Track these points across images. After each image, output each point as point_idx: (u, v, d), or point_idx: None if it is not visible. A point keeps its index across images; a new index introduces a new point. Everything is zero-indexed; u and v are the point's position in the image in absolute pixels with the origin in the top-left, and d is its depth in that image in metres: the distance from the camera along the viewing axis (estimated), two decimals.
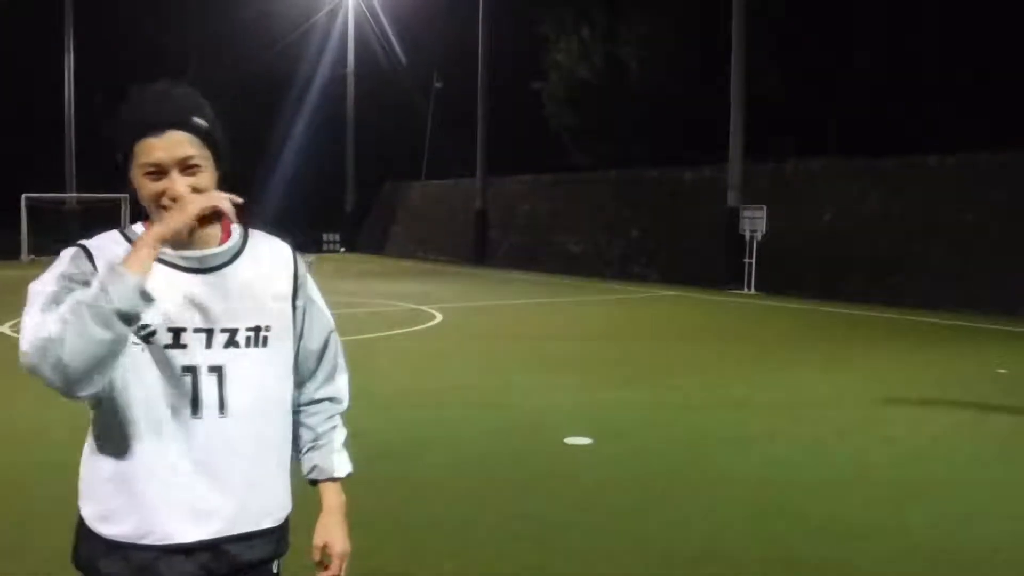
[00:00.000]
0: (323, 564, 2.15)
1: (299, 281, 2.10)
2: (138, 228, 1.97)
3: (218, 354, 1.94)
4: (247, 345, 1.97)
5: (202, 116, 1.93)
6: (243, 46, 37.22)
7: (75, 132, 34.55)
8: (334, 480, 2.20)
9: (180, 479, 1.91)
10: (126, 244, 1.91)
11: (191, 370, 1.92)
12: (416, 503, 6.01)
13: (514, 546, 5.22)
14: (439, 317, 15.93)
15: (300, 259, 2.15)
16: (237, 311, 1.97)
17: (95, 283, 1.74)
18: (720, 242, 22.09)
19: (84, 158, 34.66)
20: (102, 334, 1.70)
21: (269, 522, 2.04)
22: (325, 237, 36.49)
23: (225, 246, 2.00)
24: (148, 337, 1.88)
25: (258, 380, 1.99)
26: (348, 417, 2.27)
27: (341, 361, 2.24)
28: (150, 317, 1.84)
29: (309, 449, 2.18)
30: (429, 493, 6.22)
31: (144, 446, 1.90)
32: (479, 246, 30.47)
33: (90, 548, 1.94)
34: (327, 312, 2.21)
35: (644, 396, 9.49)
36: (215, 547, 1.94)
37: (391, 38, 37.58)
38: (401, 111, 38.66)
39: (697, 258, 23.14)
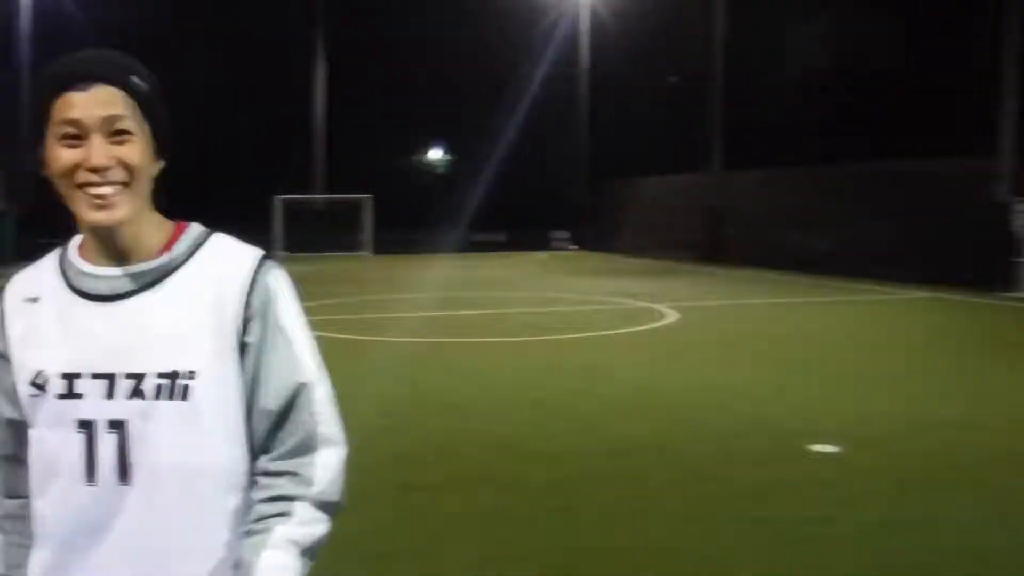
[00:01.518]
0: None
1: (253, 309, 1.57)
2: (74, 243, 1.63)
3: (121, 406, 1.51)
4: (157, 396, 1.51)
5: (143, 79, 1.54)
6: (475, 43, 38.02)
7: (325, 136, 36.58)
8: None
9: (76, 559, 1.53)
10: (53, 269, 1.61)
11: (87, 425, 1.51)
12: (652, 501, 5.92)
13: (751, 552, 5.07)
14: (672, 316, 15.49)
15: (265, 277, 1.59)
16: (147, 351, 1.52)
17: None
18: (986, 239, 20.28)
19: (332, 160, 36.57)
20: None
21: None
22: (555, 235, 36.68)
23: (160, 260, 1.57)
24: (43, 386, 1.53)
25: (173, 442, 1.52)
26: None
27: (326, 430, 1.60)
28: (45, 361, 1.53)
29: (246, 533, 1.56)
30: (667, 493, 6.07)
31: (43, 515, 1.57)
32: (713, 243, 29.58)
33: None
34: (306, 356, 1.61)
35: (899, 407, 8.62)
36: None
37: (623, 32, 37.22)
38: (633, 105, 38.27)
39: (955, 257, 21.29)
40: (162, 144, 1.57)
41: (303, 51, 36.71)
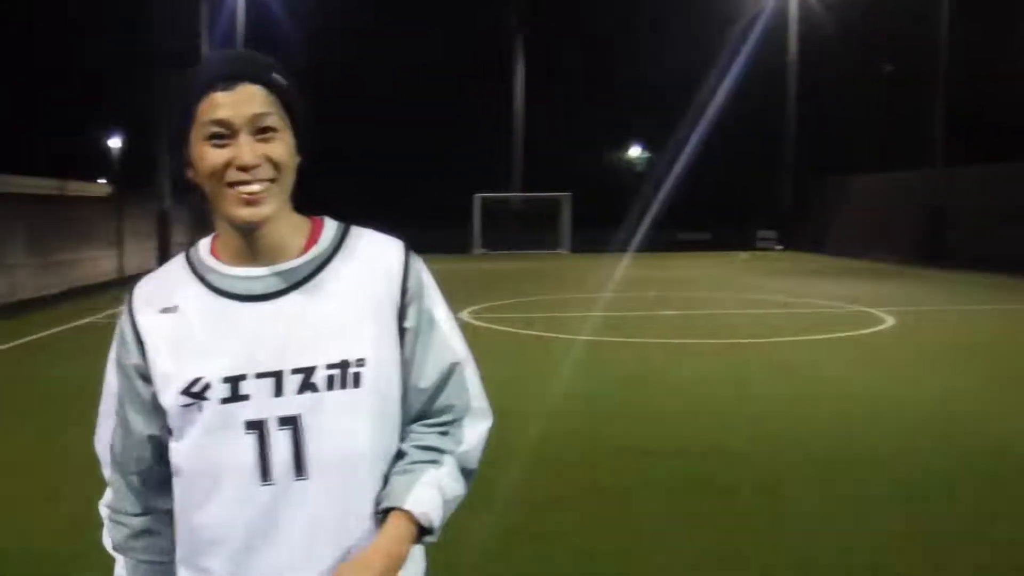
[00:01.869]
0: None
1: (409, 295, 1.61)
2: (203, 246, 1.63)
3: (291, 402, 1.52)
4: (330, 387, 1.53)
5: (283, 76, 1.55)
6: (677, 36, 37.26)
7: (523, 134, 36.88)
8: (402, 512, 1.54)
9: (256, 559, 1.53)
10: (186, 275, 1.59)
11: (257, 426, 1.52)
12: (868, 518, 5.46)
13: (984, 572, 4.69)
14: (888, 320, 14.47)
15: (415, 264, 1.63)
16: (314, 344, 1.53)
17: (111, 552, 1.68)
18: None
19: (531, 159, 36.79)
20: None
21: None
22: (760, 234, 35.52)
23: (305, 258, 1.58)
24: (202, 393, 1.52)
25: (347, 430, 1.54)
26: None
27: (476, 404, 1.69)
28: (202, 368, 1.52)
29: (392, 474, 1.59)
30: (884, 508, 5.61)
31: (207, 523, 1.56)
32: (932, 245, 27.69)
33: None
34: (455, 337, 1.67)
35: None
36: None
37: (835, 20, 35.47)
38: (845, 98, 36.42)
39: None
40: (302, 140, 1.57)
41: (503, 49, 37.11)
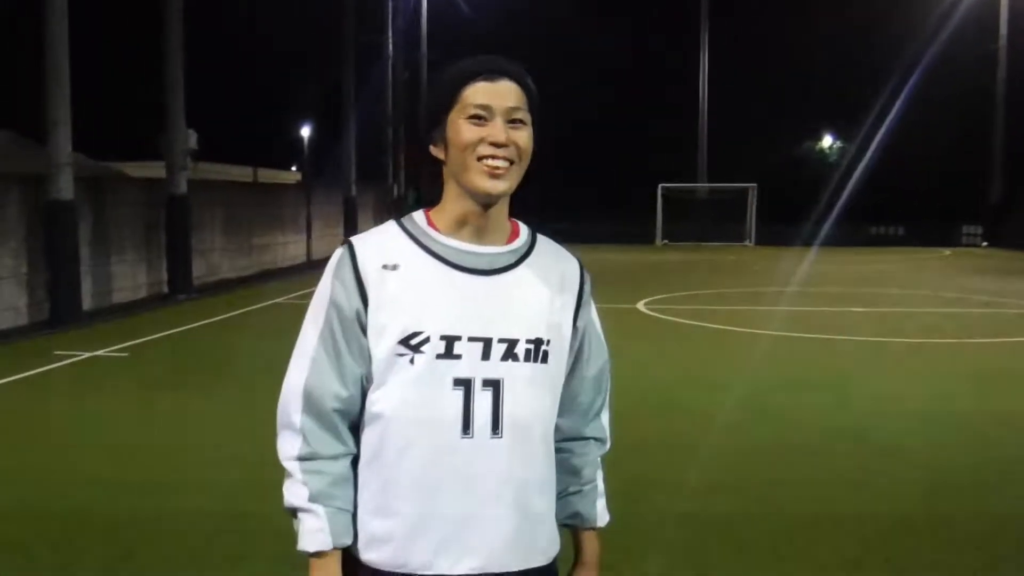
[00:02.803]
0: None
1: (583, 299, 1.91)
2: (418, 218, 1.84)
3: (495, 366, 1.75)
4: (527, 359, 1.77)
5: (531, 81, 1.82)
6: (874, 20, 35.42)
7: (707, 125, 36.02)
8: (594, 530, 1.98)
9: (445, 506, 1.73)
10: (404, 239, 1.80)
11: (464, 383, 1.73)
12: None
13: None
14: None
15: (587, 277, 1.94)
16: (518, 320, 1.78)
17: (301, 508, 1.77)
18: None
19: (716, 149, 35.88)
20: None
21: (539, 560, 1.82)
22: (965, 230, 33.39)
23: (513, 246, 1.84)
24: (419, 346, 1.72)
25: (534, 398, 1.79)
26: None
27: (608, 398, 2.02)
28: (423, 323, 1.72)
29: (572, 493, 1.95)
30: None
31: (406, 468, 1.74)
32: None
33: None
34: (604, 341, 1.99)
35: None
36: None
37: None
38: None
39: None
40: (537, 139, 1.80)
41: (689, 35, 36.34)
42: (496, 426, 1.74)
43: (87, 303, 13.75)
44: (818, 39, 37.46)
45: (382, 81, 32.96)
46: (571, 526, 1.96)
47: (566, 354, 1.87)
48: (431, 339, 1.72)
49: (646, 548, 4.72)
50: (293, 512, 1.78)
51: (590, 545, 1.97)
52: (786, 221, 32.36)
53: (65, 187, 12.88)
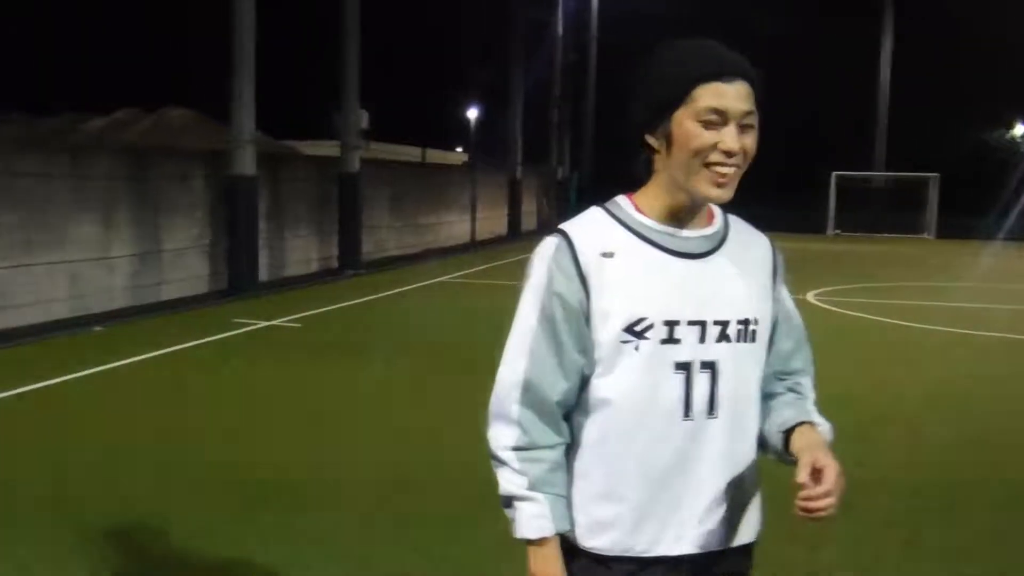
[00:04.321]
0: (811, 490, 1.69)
1: (778, 274, 1.91)
2: (624, 203, 1.82)
3: (711, 349, 1.76)
4: (738, 339, 1.79)
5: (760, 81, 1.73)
6: None
7: (888, 113, 34.44)
8: (810, 424, 1.83)
9: (667, 488, 1.76)
10: (615, 226, 1.79)
11: (685, 367, 1.75)
12: None
13: None
14: None
15: (779, 254, 1.93)
16: (728, 301, 1.79)
17: (519, 496, 1.76)
18: None
19: (895, 136, 34.31)
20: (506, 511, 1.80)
21: (748, 536, 1.86)
22: None
23: (713, 228, 1.83)
24: (643, 332, 1.72)
25: (745, 377, 1.81)
26: None
27: (812, 365, 2.00)
28: (646, 309, 1.72)
29: (779, 407, 1.88)
30: None
31: (633, 453, 1.75)
32: None
33: (574, 563, 1.80)
34: (796, 310, 1.98)
35: None
36: (696, 561, 1.79)
37: None
38: None
39: None
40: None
41: (870, 19, 34.77)
42: (712, 407, 1.76)
43: (262, 275, 14.36)
44: (1011, 21, 35.14)
45: (549, 62, 32.99)
46: (787, 430, 1.81)
47: (768, 330, 1.87)
48: (655, 325, 1.72)
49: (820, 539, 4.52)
50: (508, 501, 1.77)
51: (809, 431, 1.80)
52: (968, 213, 30.50)
53: (248, 163, 13.48)
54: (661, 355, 1.73)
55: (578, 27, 35.44)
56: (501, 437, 1.78)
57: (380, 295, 13.82)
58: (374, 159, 21.09)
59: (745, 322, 1.79)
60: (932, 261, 22.72)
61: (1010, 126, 41.39)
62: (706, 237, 1.81)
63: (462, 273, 17.23)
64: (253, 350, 9.59)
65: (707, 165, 1.69)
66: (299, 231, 16.20)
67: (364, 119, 18.16)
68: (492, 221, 27.06)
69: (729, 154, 1.68)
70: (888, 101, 34.82)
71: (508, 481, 1.77)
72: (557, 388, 1.76)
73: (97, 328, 10.34)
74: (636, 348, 1.72)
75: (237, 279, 13.49)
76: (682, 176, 1.72)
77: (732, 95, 1.68)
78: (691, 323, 1.74)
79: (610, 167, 37.40)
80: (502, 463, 1.78)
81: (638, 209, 1.80)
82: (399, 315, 12.35)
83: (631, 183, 1.84)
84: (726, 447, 1.78)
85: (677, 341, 1.73)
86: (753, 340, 1.81)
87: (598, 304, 1.73)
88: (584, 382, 1.77)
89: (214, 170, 13.50)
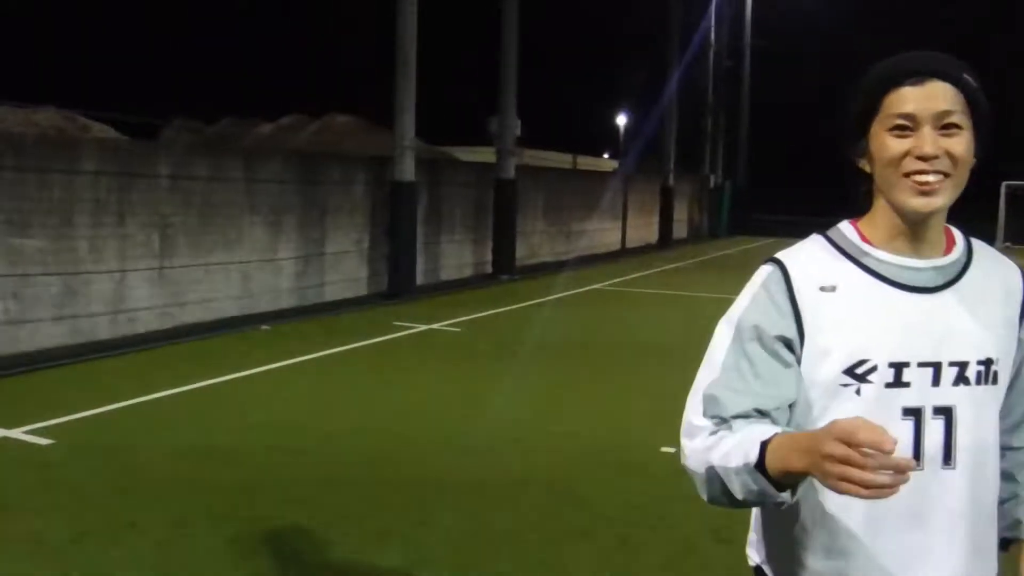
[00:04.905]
0: None
1: None
2: (847, 231, 1.68)
3: (946, 393, 1.59)
4: (978, 382, 1.61)
5: (973, 78, 1.58)
6: None
7: None
8: None
9: (896, 543, 1.59)
10: (836, 256, 1.65)
11: (914, 413, 1.58)
12: None
13: None
14: None
15: None
16: (966, 339, 1.60)
17: (734, 456, 1.50)
18: None
19: None
20: (743, 489, 1.50)
21: None
22: None
23: (951, 257, 1.65)
24: (866, 375, 1.57)
25: (984, 423, 1.63)
26: None
27: None
28: (869, 350, 1.57)
29: (1008, 499, 1.74)
30: None
31: (858, 506, 1.54)
32: None
33: None
34: None
35: None
36: None
37: None
38: None
39: None
40: (983, 143, 1.60)
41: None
42: (948, 456, 1.60)
43: (419, 278, 14.59)
44: None
45: (702, 69, 32.50)
46: (1011, 538, 1.77)
47: (1009, 371, 1.69)
48: (879, 367, 1.58)
49: None
50: (724, 473, 1.51)
51: None
52: None
53: (408, 169, 13.72)
54: (886, 400, 1.57)
55: (734, 34, 34.80)
56: (691, 445, 1.60)
57: (536, 301, 13.82)
58: (527, 165, 21.20)
59: (987, 362, 1.62)
60: None
61: None
62: (941, 268, 1.64)
63: (615, 280, 17.09)
64: (417, 352, 9.71)
65: (906, 175, 1.56)
66: (455, 236, 16.39)
67: (518, 126, 18.27)
68: (642, 229, 26.80)
69: (925, 158, 1.54)
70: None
71: (718, 453, 1.52)
72: (753, 398, 1.58)
73: (264, 327, 10.68)
74: (857, 392, 1.58)
75: (396, 282, 13.74)
76: (887, 192, 1.61)
77: (921, 97, 1.55)
78: (922, 365, 1.59)
79: (764, 176, 36.57)
80: (696, 465, 1.57)
81: (863, 237, 1.67)
82: (556, 321, 12.31)
83: (844, 207, 1.73)
84: (965, 500, 1.62)
85: (905, 384, 1.58)
86: (995, 382, 1.64)
87: (814, 342, 1.60)
88: (798, 426, 1.61)
89: (375, 175, 13.80)
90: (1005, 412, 1.72)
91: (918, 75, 1.56)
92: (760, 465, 1.44)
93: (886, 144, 1.58)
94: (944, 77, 1.56)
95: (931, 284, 1.62)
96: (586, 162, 33.91)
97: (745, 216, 34.11)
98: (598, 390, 8.06)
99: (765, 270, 1.67)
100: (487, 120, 18.18)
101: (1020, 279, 1.72)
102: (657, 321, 12.60)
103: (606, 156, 48.20)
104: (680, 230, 29.93)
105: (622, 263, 20.98)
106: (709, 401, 1.61)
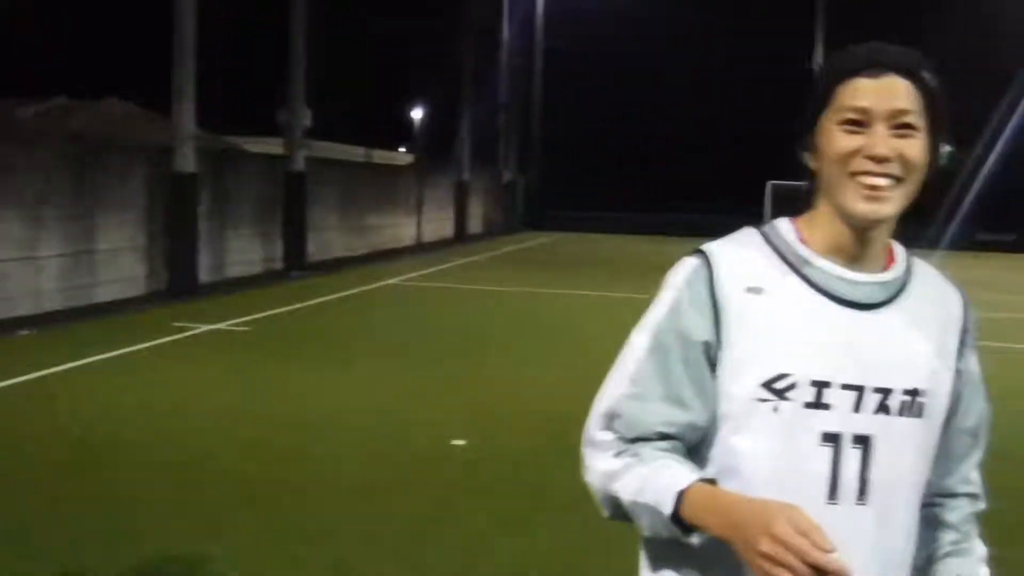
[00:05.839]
0: None
1: (967, 339, 1.55)
2: (785, 229, 1.51)
3: (867, 421, 1.43)
4: (900, 412, 1.45)
5: (933, 76, 1.43)
6: (983, 28, 34.02)
7: None
8: None
9: None
10: (769, 255, 1.48)
11: (834, 439, 1.42)
12: None
13: None
14: None
15: (971, 312, 1.57)
16: (894, 365, 1.45)
17: (644, 493, 1.38)
18: None
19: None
20: (650, 529, 1.40)
21: None
22: None
23: (892, 273, 1.50)
24: (785, 391, 1.41)
25: (905, 459, 1.46)
26: None
27: (983, 452, 1.64)
28: (791, 364, 1.41)
29: (949, 554, 1.58)
30: None
31: None
32: None
33: None
34: (983, 387, 1.60)
35: None
36: None
37: None
38: None
39: None
40: (936, 148, 1.47)
41: (801, 32, 35.32)
42: (863, 491, 1.45)
43: (202, 276, 13.84)
44: (936, 38, 36.20)
45: (497, 66, 32.83)
46: None
47: (944, 406, 1.53)
48: (799, 384, 1.42)
49: None
50: (631, 508, 1.41)
51: None
52: (898, 224, 31.38)
53: (188, 160, 12.98)
54: (805, 421, 1.42)
55: (526, 32, 35.34)
56: (593, 464, 1.47)
57: (327, 298, 13.41)
58: (320, 158, 20.62)
59: (913, 392, 1.46)
60: None
61: None
62: (881, 284, 1.49)
63: (410, 276, 16.89)
64: (198, 354, 9.14)
65: (854, 175, 1.42)
66: (241, 231, 15.67)
67: (308, 117, 17.74)
68: (438, 224, 26.73)
69: (877, 160, 1.40)
70: None
71: (622, 485, 1.42)
72: (662, 417, 1.44)
73: (24, 332, 9.76)
74: (775, 409, 1.42)
75: (176, 281, 12.97)
76: (832, 191, 1.46)
77: (876, 90, 1.41)
78: (845, 387, 1.43)
79: (558, 172, 37.39)
80: (601, 487, 1.45)
81: (801, 240, 1.51)
82: (349, 318, 12.05)
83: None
84: (878, 538, 1.47)
85: (825, 407, 1.42)
86: (919, 415, 1.48)
87: (731, 351, 1.44)
88: (708, 440, 1.46)
89: (155, 166, 12.95)
90: (943, 453, 1.57)
91: (876, 67, 1.43)
92: (674, 515, 1.35)
93: (835, 139, 1.44)
94: (904, 73, 1.43)
95: (867, 300, 1.48)
96: (381, 156, 33.49)
97: (540, 211, 34.77)
98: (390, 385, 7.91)
99: (689, 264, 1.49)
100: (276, 111, 17.57)
101: (961, 304, 1.58)
102: (450, 316, 12.54)
103: (402, 150, 47.88)
104: (476, 225, 30.12)
105: (417, 258, 20.82)
106: (613, 417, 1.47)
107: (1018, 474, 5.82)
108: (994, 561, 1.63)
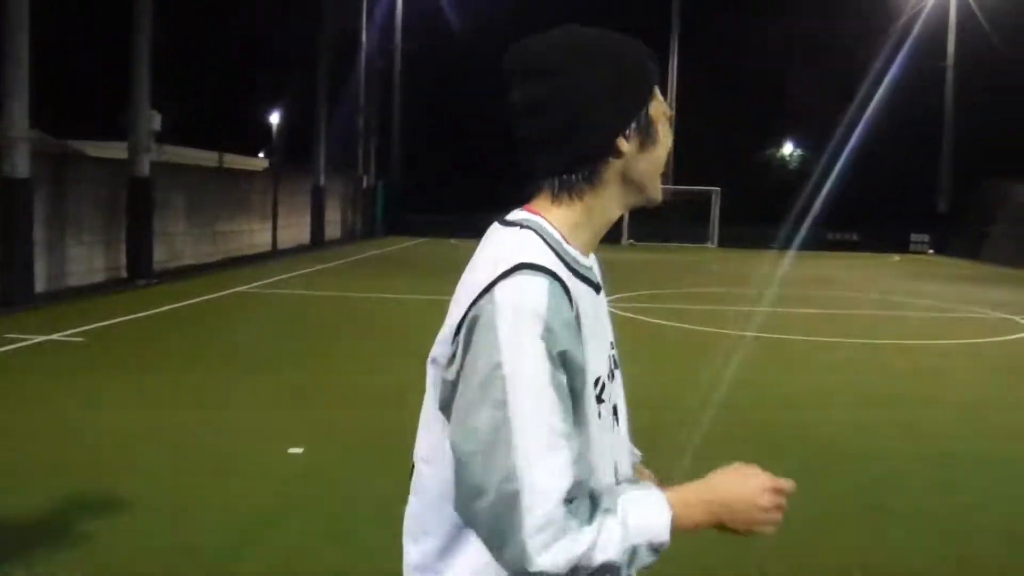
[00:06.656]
0: None
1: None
2: (550, 228, 1.43)
3: (617, 390, 1.55)
4: (615, 368, 1.55)
5: None
6: (832, 36, 35.97)
7: (675, 130, 36.20)
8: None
9: None
10: (560, 263, 1.40)
11: (617, 419, 1.53)
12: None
13: None
14: None
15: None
16: (611, 331, 1.56)
17: (632, 536, 1.33)
18: None
19: (681, 152, 36.16)
20: (638, 563, 1.37)
21: None
22: (913, 237, 34.43)
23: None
24: (601, 394, 1.44)
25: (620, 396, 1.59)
26: None
27: None
28: (599, 365, 1.44)
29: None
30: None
31: None
32: None
33: None
34: None
35: None
36: None
37: (996, 23, 33.38)
38: (1006, 103, 34.27)
39: None
40: None
41: (657, 44, 36.51)
42: (616, 466, 1.50)
43: (40, 285, 13.57)
44: (784, 49, 37.97)
45: (355, 70, 32.81)
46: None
47: None
48: (604, 383, 1.45)
49: None
50: (617, 558, 1.33)
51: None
52: (749, 224, 32.94)
53: (21, 164, 12.67)
54: (606, 414, 1.45)
55: (385, 35, 35.41)
56: (568, 547, 1.30)
57: (173, 306, 13.31)
58: (168, 163, 20.35)
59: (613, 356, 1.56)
60: (714, 269, 24.18)
61: (780, 146, 44.81)
62: (595, 265, 1.56)
63: (263, 283, 16.86)
64: (27, 367, 8.99)
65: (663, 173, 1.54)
66: (82, 238, 15.40)
67: (156, 120, 17.52)
68: (295, 229, 26.63)
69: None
70: (676, 119, 36.64)
71: (607, 546, 1.32)
72: (591, 477, 1.39)
73: None
74: (599, 415, 1.42)
75: (9, 290, 12.59)
76: (646, 183, 1.48)
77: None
78: (610, 374, 1.50)
79: (418, 177, 37.51)
80: (592, 549, 1.31)
81: (562, 236, 1.45)
82: (195, 328, 11.93)
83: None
84: (625, 447, 1.62)
85: (607, 397, 1.46)
86: (618, 367, 1.60)
87: (584, 357, 1.39)
88: None
89: None
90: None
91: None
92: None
93: (667, 138, 1.48)
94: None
95: (598, 281, 1.52)
96: (234, 161, 32.97)
97: (400, 216, 34.87)
98: (224, 394, 7.97)
99: (541, 284, 1.33)
100: (119, 113, 17.28)
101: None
102: (297, 323, 12.63)
103: (260, 155, 47.17)
104: (334, 230, 30.04)
105: (271, 265, 20.74)
106: (574, 486, 1.31)
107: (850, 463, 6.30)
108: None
